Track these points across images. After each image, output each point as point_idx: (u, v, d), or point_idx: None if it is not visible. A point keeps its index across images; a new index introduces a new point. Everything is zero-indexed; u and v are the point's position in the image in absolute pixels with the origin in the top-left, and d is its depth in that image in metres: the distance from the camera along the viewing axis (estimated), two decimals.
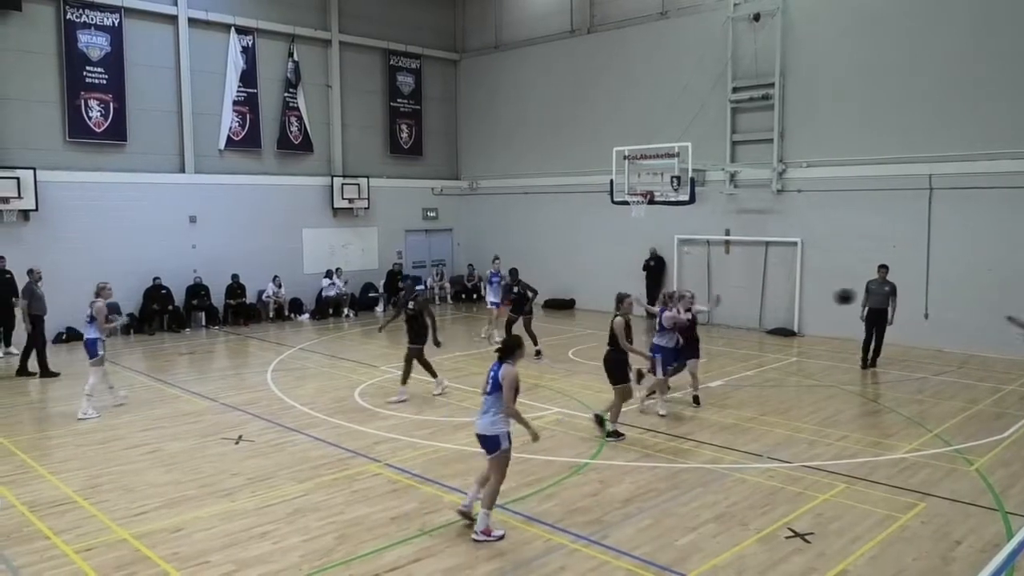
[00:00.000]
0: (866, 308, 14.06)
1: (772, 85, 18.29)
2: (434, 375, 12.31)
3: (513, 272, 16.11)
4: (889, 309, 13.89)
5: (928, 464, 9.02)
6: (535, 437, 7.03)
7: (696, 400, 11.57)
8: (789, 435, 10.22)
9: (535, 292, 16.02)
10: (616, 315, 10.01)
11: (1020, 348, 13.60)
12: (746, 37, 18.85)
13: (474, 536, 6.85)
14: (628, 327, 9.93)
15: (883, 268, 14.07)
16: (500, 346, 7.09)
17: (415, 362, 12.04)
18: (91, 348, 11.41)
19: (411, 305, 12.04)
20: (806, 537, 6.97)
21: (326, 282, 21.58)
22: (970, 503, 7.80)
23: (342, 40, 22.86)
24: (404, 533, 7.06)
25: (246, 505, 7.75)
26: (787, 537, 6.99)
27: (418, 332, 12.01)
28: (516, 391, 6.86)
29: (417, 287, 12.95)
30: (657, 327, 11.24)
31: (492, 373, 6.92)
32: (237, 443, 9.85)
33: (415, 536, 7.00)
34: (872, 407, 11.94)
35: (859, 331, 14.53)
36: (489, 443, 6.86)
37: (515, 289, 15.86)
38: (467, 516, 7.11)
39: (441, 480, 8.44)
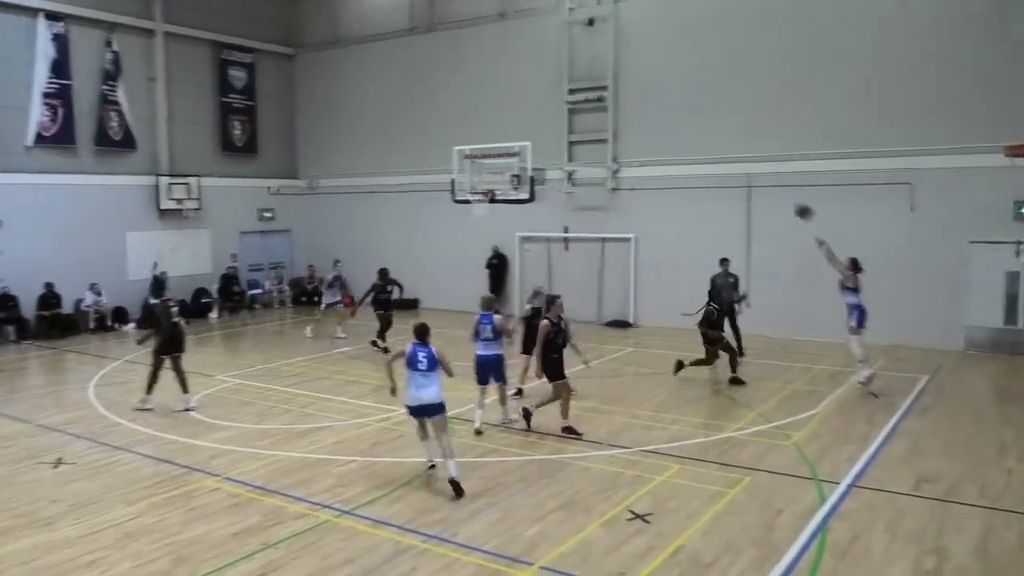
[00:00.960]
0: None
1: (606, 88, 19.05)
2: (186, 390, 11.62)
3: (384, 272, 16.22)
4: (735, 301, 14.66)
5: (752, 441, 9.76)
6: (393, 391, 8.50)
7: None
8: (627, 422, 10.72)
9: (402, 288, 16.70)
10: (545, 317, 10.20)
11: (829, 332, 14.96)
12: (581, 41, 19.49)
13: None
14: (550, 332, 9.96)
15: (725, 261, 14.88)
16: (418, 330, 8.26)
17: (168, 370, 11.52)
18: None
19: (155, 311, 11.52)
20: (646, 518, 7.34)
21: None
22: (789, 474, 8.52)
23: (167, 31, 21.45)
24: (247, 548, 6.78)
25: (69, 533, 7.15)
26: (628, 519, 7.33)
27: (163, 341, 11.47)
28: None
29: (169, 298, 12.44)
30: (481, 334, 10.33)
31: (424, 354, 8.09)
32: (56, 467, 9.07)
33: (259, 551, 6.74)
34: (702, 392, 12.73)
35: (689, 321, 15.41)
36: (441, 408, 8.16)
37: (388, 288, 16.07)
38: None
39: (284, 490, 8.17)
